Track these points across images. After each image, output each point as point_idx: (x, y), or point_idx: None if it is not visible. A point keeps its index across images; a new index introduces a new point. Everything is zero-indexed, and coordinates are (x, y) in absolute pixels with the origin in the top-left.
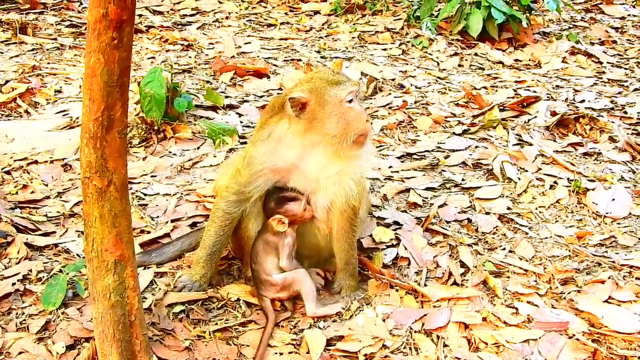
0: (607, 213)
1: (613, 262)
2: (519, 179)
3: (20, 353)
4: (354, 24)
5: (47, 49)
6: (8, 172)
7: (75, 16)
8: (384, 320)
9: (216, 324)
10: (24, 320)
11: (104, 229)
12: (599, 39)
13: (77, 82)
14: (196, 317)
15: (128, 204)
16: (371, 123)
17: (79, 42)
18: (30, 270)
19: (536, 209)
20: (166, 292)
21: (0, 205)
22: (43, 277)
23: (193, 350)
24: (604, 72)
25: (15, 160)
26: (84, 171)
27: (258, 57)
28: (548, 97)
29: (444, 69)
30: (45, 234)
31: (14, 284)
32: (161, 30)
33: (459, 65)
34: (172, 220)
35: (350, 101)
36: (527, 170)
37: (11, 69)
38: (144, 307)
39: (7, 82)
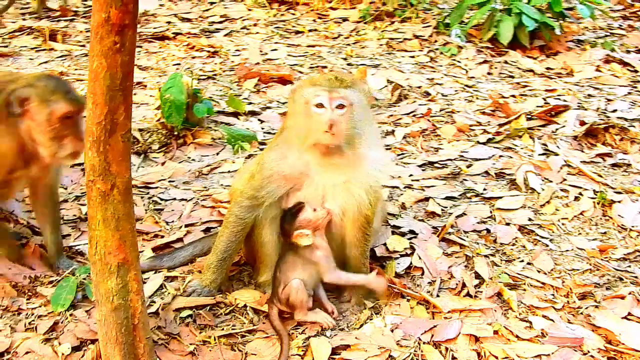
0: (632, 226)
1: (636, 277)
2: (543, 189)
3: (27, 353)
4: (382, 31)
5: (76, 56)
6: None
7: None
8: (392, 331)
9: (222, 329)
10: (33, 320)
11: (107, 232)
12: (636, 47)
13: None
14: (203, 322)
15: (131, 208)
16: (332, 135)
17: None
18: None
19: (559, 220)
20: (175, 296)
21: (18, 208)
22: (54, 279)
23: (197, 355)
24: (639, 81)
25: None
26: (88, 174)
27: (284, 63)
28: (578, 106)
29: (472, 77)
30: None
31: (23, 285)
32: (188, 37)
33: (488, 73)
34: (186, 225)
35: (319, 105)
36: (551, 181)
37: None
38: (152, 311)
39: None
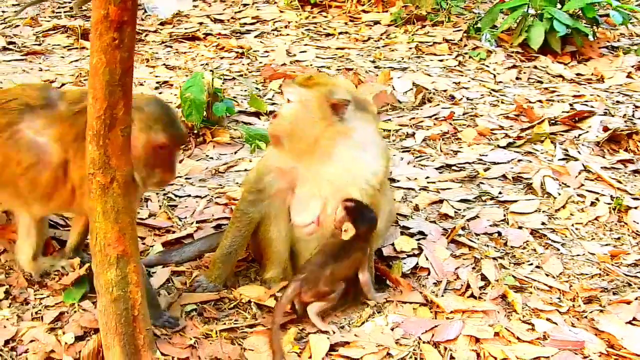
0: None
1: None
2: (559, 194)
3: (31, 341)
4: (413, 35)
5: None
6: None
7: (138, 23)
8: (392, 329)
9: (225, 323)
10: (40, 310)
11: (107, 224)
12: None
13: None
14: (208, 316)
15: (132, 202)
16: (271, 123)
17: (138, 48)
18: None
19: (572, 225)
20: (180, 291)
21: None
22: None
23: (197, 348)
24: None
25: None
26: (88, 167)
27: (311, 65)
28: (605, 112)
29: (500, 82)
30: None
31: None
32: (218, 38)
33: (517, 78)
34: (198, 222)
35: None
36: (569, 186)
37: (69, 72)
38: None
39: (63, 85)
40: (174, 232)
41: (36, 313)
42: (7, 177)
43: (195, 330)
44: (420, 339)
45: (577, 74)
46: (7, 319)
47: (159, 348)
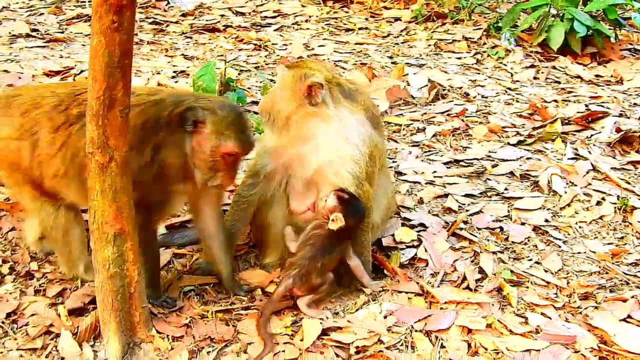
0: None
1: None
2: (565, 192)
3: (32, 315)
4: (432, 32)
5: None
6: None
7: (160, 14)
8: (385, 317)
9: (221, 305)
10: (43, 284)
11: (105, 202)
12: None
13: (146, 75)
14: (207, 298)
15: (129, 181)
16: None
17: (158, 38)
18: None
19: (576, 223)
20: (180, 272)
21: None
22: None
23: (192, 327)
24: None
25: None
26: (87, 147)
27: (328, 59)
28: (620, 114)
29: (517, 81)
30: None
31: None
32: (238, 30)
33: (534, 78)
34: None
35: None
36: (576, 185)
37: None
38: None
39: (82, 71)
40: (178, 215)
41: (40, 285)
42: (76, 170)
43: (192, 311)
44: (412, 327)
45: (596, 76)
46: (10, 293)
47: (155, 326)
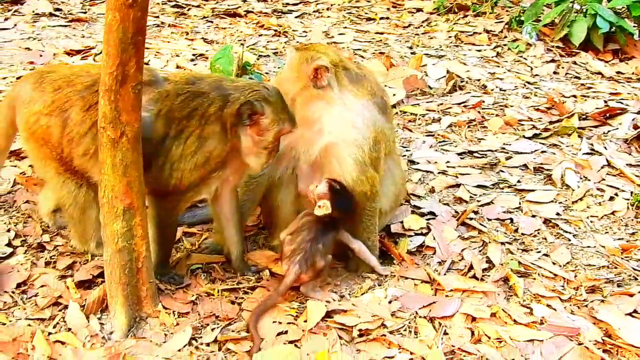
0: None
1: None
2: (578, 186)
3: (42, 286)
4: (454, 24)
5: (148, 25)
6: None
7: None
8: (390, 302)
9: (227, 284)
10: (54, 256)
11: (115, 177)
12: None
13: (165, 57)
14: (214, 276)
15: (140, 156)
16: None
17: (179, 21)
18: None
19: (587, 217)
20: (189, 250)
21: None
22: None
23: (197, 304)
24: None
25: None
26: (100, 121)
27: (347, 48)
28: (639, 111)
29: (536, 75)
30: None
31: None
32: (259, 16)
33: (554, 73)
34: None
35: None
36: (589, 180)
37: None
38: None
39: (101, 52)
40: None
41: (50, 257)
42: None
43: (198, 288)
44: (417, 313)
45: (617, 72)
46: (21, 264)
47: (162, 301)
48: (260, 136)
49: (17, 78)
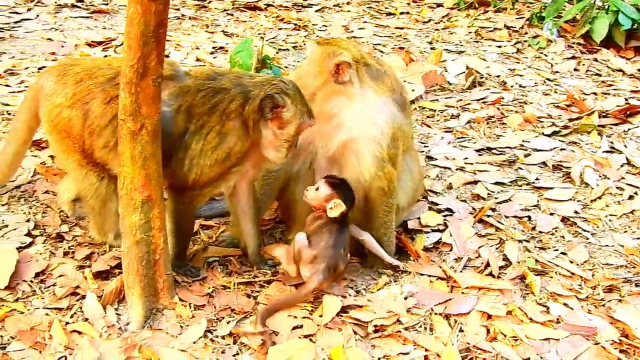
0: None
1: None
2: (597, 185)
3: (60, 276)
4: (474, 19)
5: (169, 18)
6: None
7: None
8: (406, 298)
9: (244, 277)
10: (72, 246)
11: (135, 169)
12: None
13: (185, 50)
14: (230, 269)
15: (159, 149)
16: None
17: (200, 14)
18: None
19: (606, 216)
20: (206, 243)
21: None
22: None
23: (214, 297)
24: None
25: None
26: (120, 113)
27: (367, 42)
28: None
29: (556, 71)
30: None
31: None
32: (279, 9)
33: (575, 70)
34: None
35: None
36: (608, 178)
37: None
38: None
39: (122, 44)
40: None
41: (69, 247)
42: None
43: (215, 281)
44: (432, 310)
45: (639, 70)
46: (40, 254)
47: (178, 293)
48: (282, 129)
49: (39, 69)
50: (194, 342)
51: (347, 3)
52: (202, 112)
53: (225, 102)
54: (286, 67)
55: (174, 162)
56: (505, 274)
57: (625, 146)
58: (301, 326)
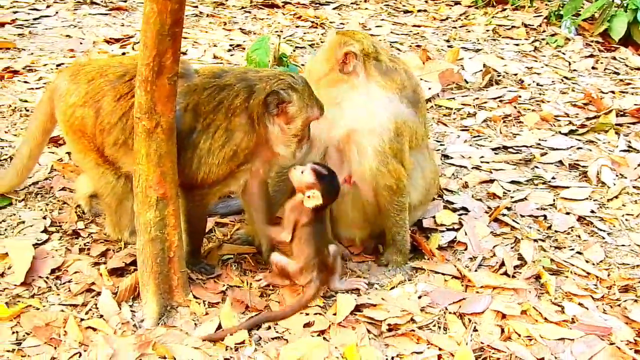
0: None
1: None
2: (614, 184)
3: (75, 272)
4: (492, 17)
5: (187, 16)
6: None
7: None
8: (420, 297)
9: (258, 275)
10: (88, 243)
11: (150, 167)
12: None
13: (202, 47)
14: (245, 267)
15: (174, 147)
16: None
17: (217, 11)
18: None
19: (623, 216)
20: (221, 241)
21: None
22: None
23: (227, 295)
24: None
25: None
26: (135, 111)
27: (384, 40)
28: None
29: (574, 70)
30: None
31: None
32: (297, 7)
33: (593, 68)
34: None
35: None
36: (626, 177)
37: None
38: None
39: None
40: None
41: (85, 245)
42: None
43: (229, 279)
44: (446, 309)
45: None
46: (56, 250)
47: (192, 291)
48: (289, 124)
49: (57, 65)
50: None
51: (365, 1)
52: (209, 110)
53: (230, 97)
54: (303, 65)
55: (183, 160)
56: (520, 273)
57: None
58: (313, 323)
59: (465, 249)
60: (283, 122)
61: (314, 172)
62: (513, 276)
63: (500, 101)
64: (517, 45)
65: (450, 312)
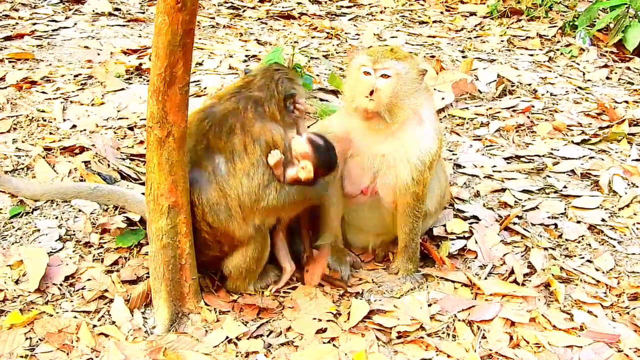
0: None
1: None
2: (626, 193)
3: (88, 280)
4: (507, 28)
5: (203, 26)
6: (131, 128)
7: (238, 0)
8: (430, 305)
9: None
10: (101, 252)
11: (161, 175)
12: None
13: (219, 58)
14: None
15: (185, 156)
16: (371, 100)
17: (234, 22)
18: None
19: (634, 224)
20: None
21: (112, 154)
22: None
23: (239, 302)
24: None
25: (141, 119)
26: (147, 121)
27: None
28: None
29: (588, 80)
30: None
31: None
32: (313, 18)
33: (607, 78)
34: None
35: (365, 72)
36: (637, 186)
37: None
38: None
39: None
40: None
41: (98, 254)
42: None
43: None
44: (455, 316)
45: None
46: (70, 258)
47: (204, 298)
48: (300, 115)
49: (75, 76)
50: (217, 346)
51: (381, 12)
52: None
53: (240, 116)
54: (317, 75)
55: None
56: (530, 281)
57: None
58: (325, 330)
59: (476, 257)
60: (296, 115)
61: (309, 142)
62: (522, 284)
63: (514, 111)
64: (531, 55)
65: (459, 320)
